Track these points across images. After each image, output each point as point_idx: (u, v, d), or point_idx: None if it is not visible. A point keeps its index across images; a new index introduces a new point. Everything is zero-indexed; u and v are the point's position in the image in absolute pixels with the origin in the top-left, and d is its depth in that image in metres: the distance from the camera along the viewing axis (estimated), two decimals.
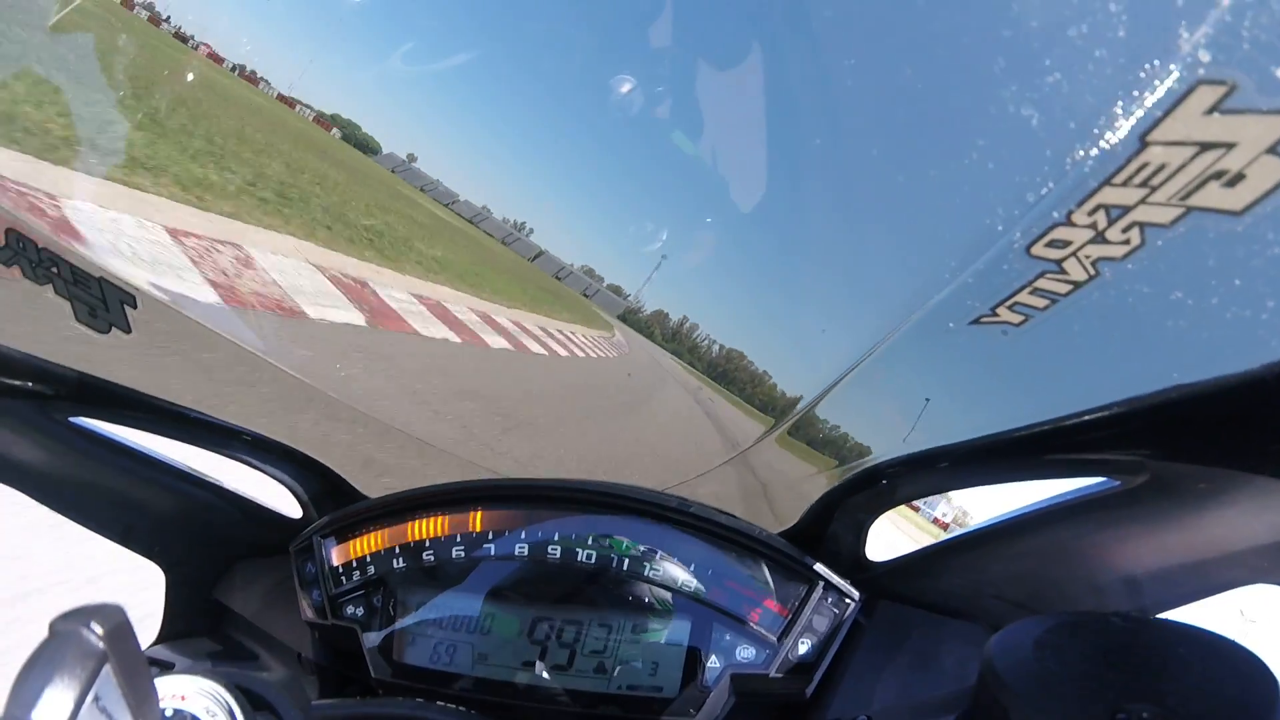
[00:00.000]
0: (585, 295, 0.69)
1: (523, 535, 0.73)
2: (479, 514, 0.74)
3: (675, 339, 0.69)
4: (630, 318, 0.68)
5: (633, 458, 0.86)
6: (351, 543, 0.77)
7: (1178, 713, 0.38)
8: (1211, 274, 0.43)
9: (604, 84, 0.54)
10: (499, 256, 0.74)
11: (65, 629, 0.31)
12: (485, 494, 0.75)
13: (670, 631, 0.70)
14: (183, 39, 0.68)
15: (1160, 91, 0.40)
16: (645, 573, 0.70)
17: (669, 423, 0.75)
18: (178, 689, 0.43)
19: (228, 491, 0.84)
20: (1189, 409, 0.44)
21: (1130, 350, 0.47)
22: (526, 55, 0.62)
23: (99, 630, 0.31)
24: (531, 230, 0.69)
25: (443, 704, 0.64)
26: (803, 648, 0.67)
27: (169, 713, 0.42)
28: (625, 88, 0.55)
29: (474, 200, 0.72)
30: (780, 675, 0.67)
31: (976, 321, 0.50)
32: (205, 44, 0.68)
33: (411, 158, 0.71)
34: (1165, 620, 0.47)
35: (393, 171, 0.72)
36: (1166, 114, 0.40)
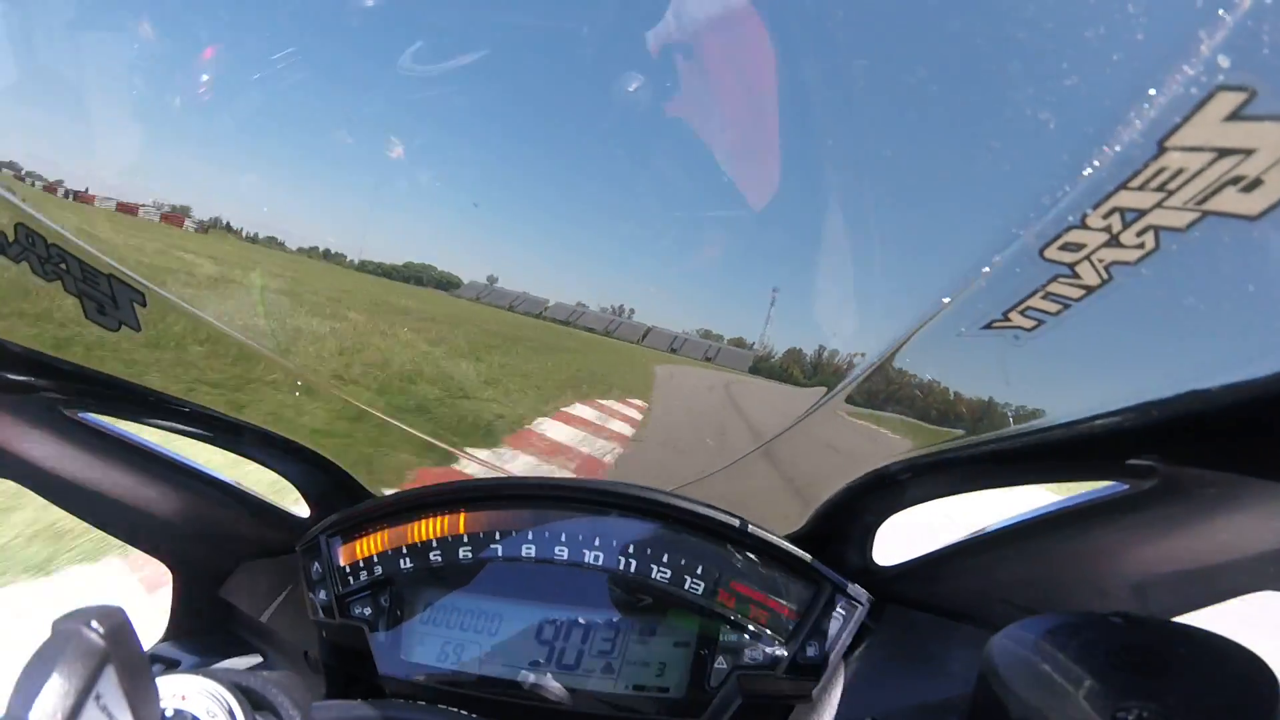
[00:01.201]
0: (708, 361, 0.68)
1: (530, 535, 0.73)
2: (486, 514, 0.74)
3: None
4: (761, 367, 0.66)
5: (643, 457, 0.86)
6: (358, 542, 0.77)
7: (1178, 712, 0.38)
8: (1225, 279, 0.43)
9: (612, 90, 0.54)
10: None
11: (66, 628, 0.31)
12: (492, 493, 0.75)
13: (677, 632, 0.70)
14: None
15: (1178, 96, 0.39)
16: (653, 574, 0.70)
17: (679, 425, 0.75)
18: (178, 689, 0.43)
19: (236, 489, 0.84)
20: (1199, 414, 0.44)
21: (1140, 355, 0.47)
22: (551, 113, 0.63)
23: (100, 629, 0.31)
24: (633, 312, 0.69)
25: (444, 707, 0.64)
26: (810, 650, 0.67)
27: (169, 712, 0.42)
28: (634, 86, 0.55)
29: (566, 301, 0.72)
30: (787, 677, 0.67)
31: (988, 326, 0.50)
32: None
33: (492, 279, 0.72)
34: (1165, 620, 0.47)
35: (478, 299, 0.73)
36: (1185, 119, 0.39)
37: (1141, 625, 0.46)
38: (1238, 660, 0.41)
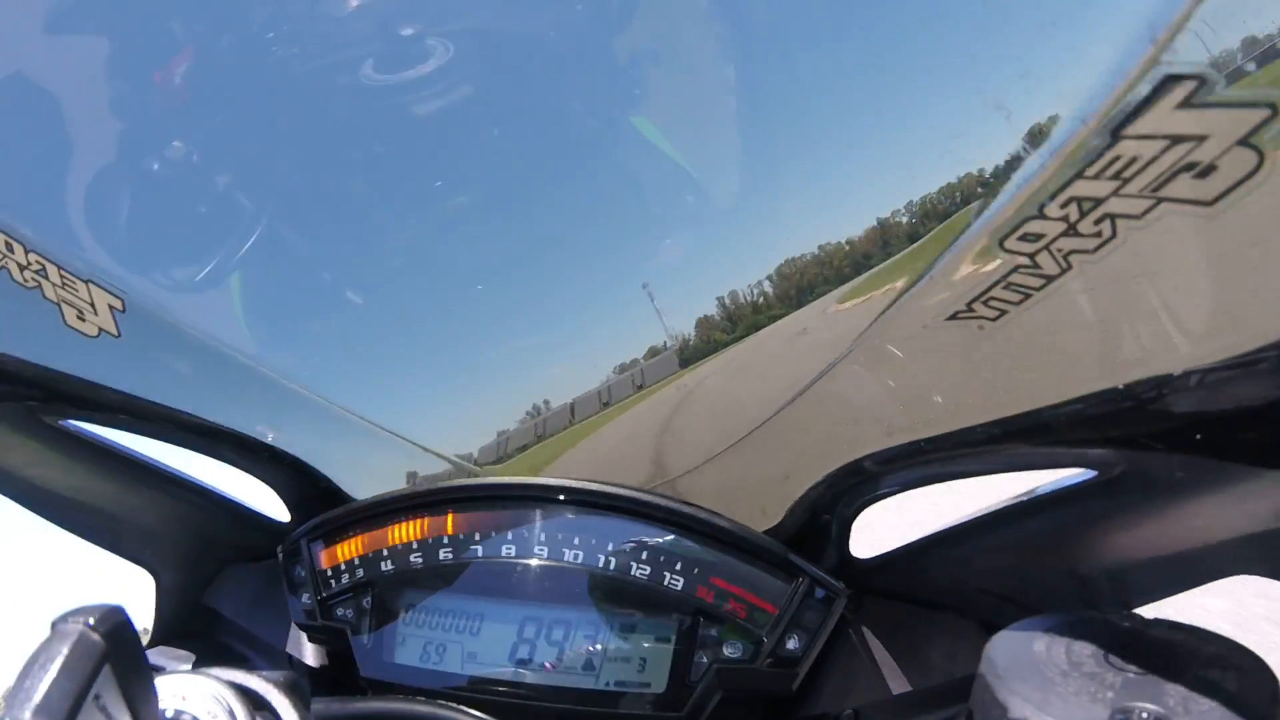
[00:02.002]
0: (641, 389, 0.65)
1: (510, 535, 0.73)
2: (467, 515, 0.75)
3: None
4: (688, 354, 0.63)
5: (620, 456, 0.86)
6: (340, 545, 0.77)
7: (1178, 713, 0.38)
8: (1182, 264, 0.43)
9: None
10: None
11: (66, 628, 0.31)
12: (472, 495, 0.75)
13: (658, 629, 0.70)
14: None
15: (1132, 85, 0.40)
16: (633, 571, 0.70)
17: (651, 422, 0.75)
18: (178, 689, 0.43)
19: (217, 495, 0.84)
20: (1163, 400, 0.45)
21: (1102, 342, 0.47)
22: None
23: (100, 629, 0.31)
24: (548, 403, 0.68)
25: (444, 702, 0.64)
26: (789, 643, 0.67)
27: (169, 713, 0.42)
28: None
29: (487, 440, 0.72)
30: (767, 670, 0.67)
31: (953, 317, 0.50)
32: None
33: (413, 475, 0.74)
34: (1165, 620, 0.47)
35: None
36: (1139, 108, 0.39)
37: (1141, 624, 0.46)
38: (1237, 660, 0.41)
